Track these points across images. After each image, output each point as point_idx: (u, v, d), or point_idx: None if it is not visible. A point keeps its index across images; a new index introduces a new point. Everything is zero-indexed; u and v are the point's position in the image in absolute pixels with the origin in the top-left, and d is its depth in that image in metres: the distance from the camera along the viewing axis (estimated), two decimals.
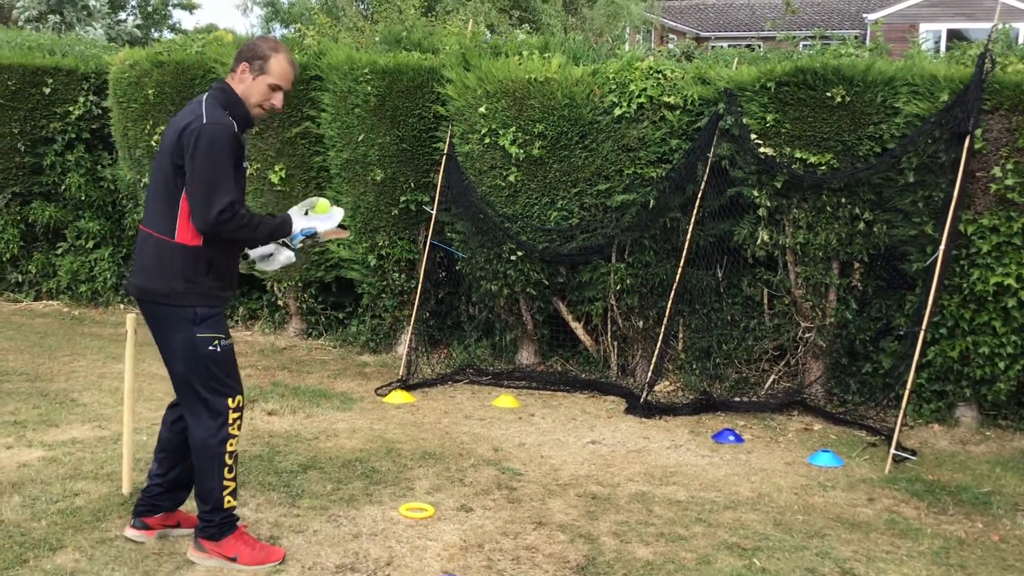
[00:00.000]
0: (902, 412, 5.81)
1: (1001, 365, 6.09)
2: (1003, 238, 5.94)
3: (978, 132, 5.90)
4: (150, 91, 8.41)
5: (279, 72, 3.87)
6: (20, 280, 9.82)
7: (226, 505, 3.91)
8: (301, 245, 4.03)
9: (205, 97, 3.84)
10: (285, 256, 4.07)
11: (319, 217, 4.07)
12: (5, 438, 5.41)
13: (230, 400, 3.86)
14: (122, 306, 9.56)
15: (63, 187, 9.43)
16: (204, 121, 3.70)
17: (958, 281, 6.10)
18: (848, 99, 6.16)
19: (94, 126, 9.45)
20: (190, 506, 4.29)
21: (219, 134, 3.69)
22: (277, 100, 3.92)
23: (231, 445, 3.87)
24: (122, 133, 8.77)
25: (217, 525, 3.92)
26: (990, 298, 6.02)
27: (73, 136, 9.39)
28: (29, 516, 4.32)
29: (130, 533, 4.13)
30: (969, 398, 6.35)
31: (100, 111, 9.35)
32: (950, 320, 6.17)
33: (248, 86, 3.86)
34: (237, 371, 3.93)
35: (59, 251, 9.69)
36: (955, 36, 24.30)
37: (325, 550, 4.13)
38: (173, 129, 3.76)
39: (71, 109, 9.31)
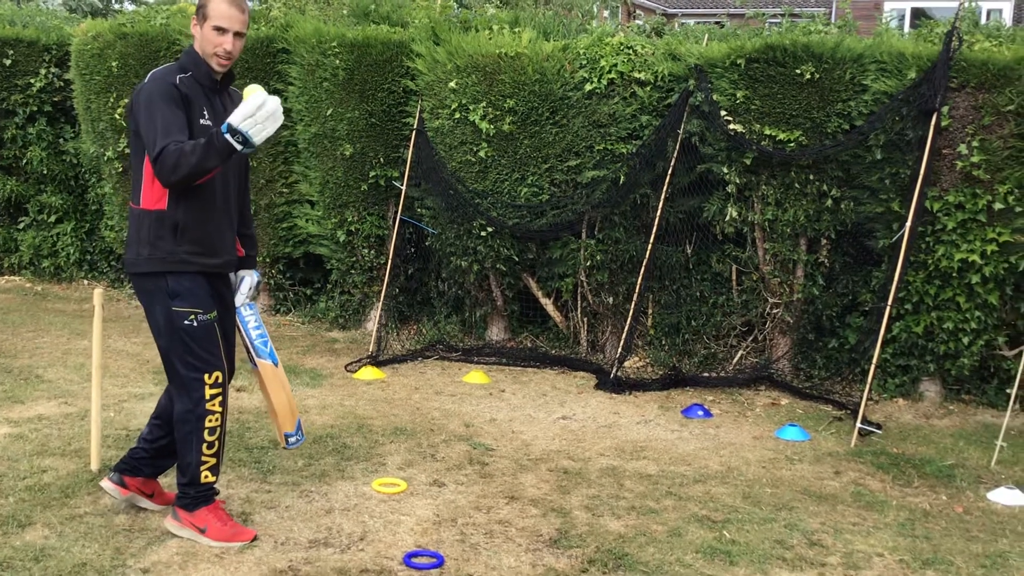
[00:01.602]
0: (868, 387, 5.89)
1: (965, 340, 6.19)
2: (968, 215, 6.02)
3: (945, 109, 5.96)
4: (113, 63, 8.28)
5: (217, 13, 3.78)
6: None
7: (203, 480, 3.90)
8: (245, 129, 3.52)
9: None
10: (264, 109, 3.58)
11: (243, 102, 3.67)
12: None
13: (206, 376, 3.82)
14: (86, 282, 9.44)
15: (24, 161, 9.27)
16: (144, 82, 3.76)
17: (923, 257, 6.18)
18: (817, 76, 6.19)
19: (56, 99, 9.29)
20: (170, 481, 4.28)
21: (154, 89, 3.69)
22: (227, 42, 3.79)
23: (210, 421, 3.84)
24: (85, 106, 8.63)
25: (192, 497, 3.92)
26: (955, 274, 6.11)
27: (35, 109, 9.22)
28: None
29: (106, 484, 4.15)
30: (933, 373, 6.45)
31: (62, 83, 9.19)
32: (915, 296, 6.25)
33: (199, 37, 3.83)
34: (219, 347, 3.88)
35: (21, 226, 9.54)
36: (919, 15, 24.47)
37: (298, 525, 4.13)
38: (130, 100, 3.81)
39: (32, 81, 9.14)
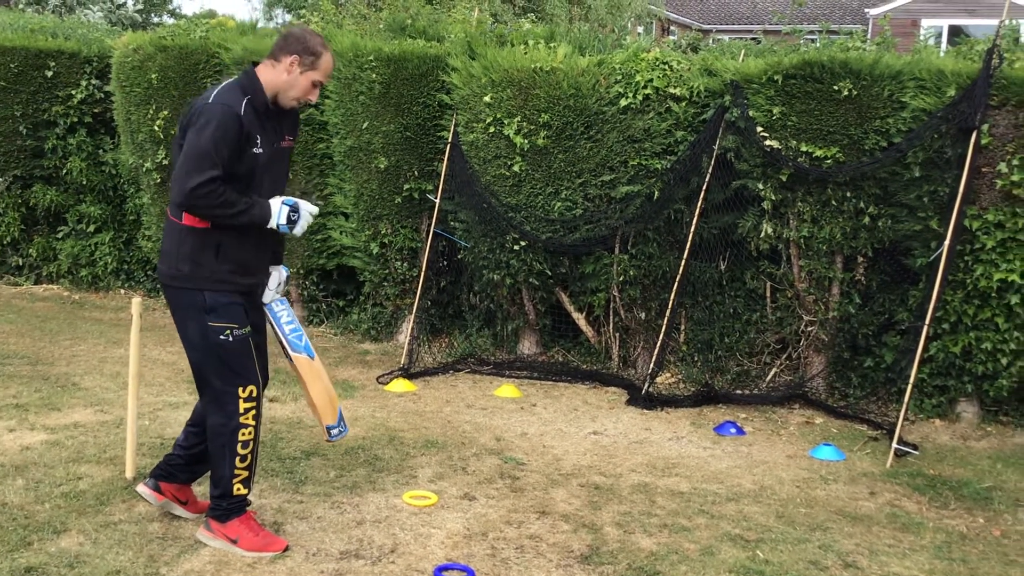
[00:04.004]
0: (904, 407, 5.82)
1: (1003, 361, 6.10)
2: (1008, 234, 5.94)
3: (985, 127, 5.89)
4: (153, 76, 8.38)
5: (326, 70, 3.89)
6: (20, 264, 9.80)
7: (235, 492, 3.92)
8: (290, 226, 3.91)
9: (227, 81, 3.87)
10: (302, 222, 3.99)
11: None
12: (7, 421, 5.40)
13: (241, 390, 3.84)
14: (123, 291, 9.54)
15: (64, 171, 9.39)
16: (209, 101, 3.75)
17: (962, 276, 6.10)
18: (855, 93, 6.15)
19: (96, 110, 9.41)
20: (203, 490, 4.30)
21: (218, 113, 3.69)
22: (315, 95, 3.93)
23: (244, 435, 3.86)
24: (125, 117, 8.74)
25: (224, 509, 3.94)
26: (993, 294, 6.03)
27: (75, 120, 9.35)
28: (33, 499, 4.32)
29: (142, 489, 4.21)
30: (971, 394, 6.36)
31: (103, 95, 9.32)
32: (953, 315, 6.17)
33: (294, 79, 3.84)
34: (253, 361, 3.90)
35: (60, 235, 9.66)
36: (956, 32, 24.26)
37: (329, 536, 4.14)
38: (188, 111, 3.81)
39: (73, 93, 9.27)
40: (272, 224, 3.83)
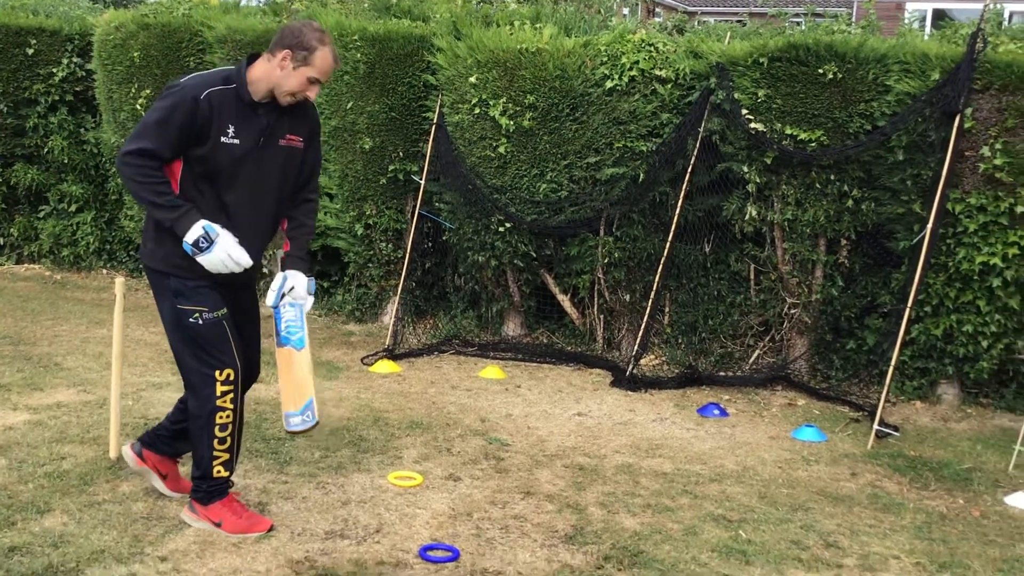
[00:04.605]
0: (885, 389, 5.86)
1: (984, 344, 6.15)
2: (990, 217, 5.98)
3: (968, 111, 5.92)
4: (135, 54, 8.31)
5: (322, 67, 3.70)
6: (2, 243, 9.72)
7: (215, 474, 3.90)
8: (195, 250, 3.67)
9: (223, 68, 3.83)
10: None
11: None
12: None
13: (218, 373, 3.81)
14: (105, 271, 9.49)
15: (46, 150, 9.31)
16: (180, 80, 3.73)
17: (944, 260, 6.15)
18: (840, 76, 6.16)
19: (78, 88, 9.33)
20: (187, 470, 4.30)
21: (175, 93, 3.64)
22: (313, 92, 3.77)
23: (221, 418, 3.83)
24: (106, 96, 8.67)
25: (205, 491, 3.93)
26: (975, 277, 6.07)
27: (56, 98, 9.26)
28: (16, 479, 4.31)
29: (126, 451, 4.26)
30: (951, 376, 6.41)
31: (84, 73, 9.23)
32: (935, 298, 6.22)
33: (287, 75, 3.69)
34: (230, 345, 3.84)
35: (41, 214, 9.59)
36: (940, 16, 24.31)
37: (314, 516, 4.15)
38: None
39: (54, 71, 9.18)
40: (184, 239, 3.64)
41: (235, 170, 3.75)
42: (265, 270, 7.91)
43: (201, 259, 3.66)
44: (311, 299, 4.12)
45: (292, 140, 3.88)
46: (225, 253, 3.68)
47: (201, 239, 3.63)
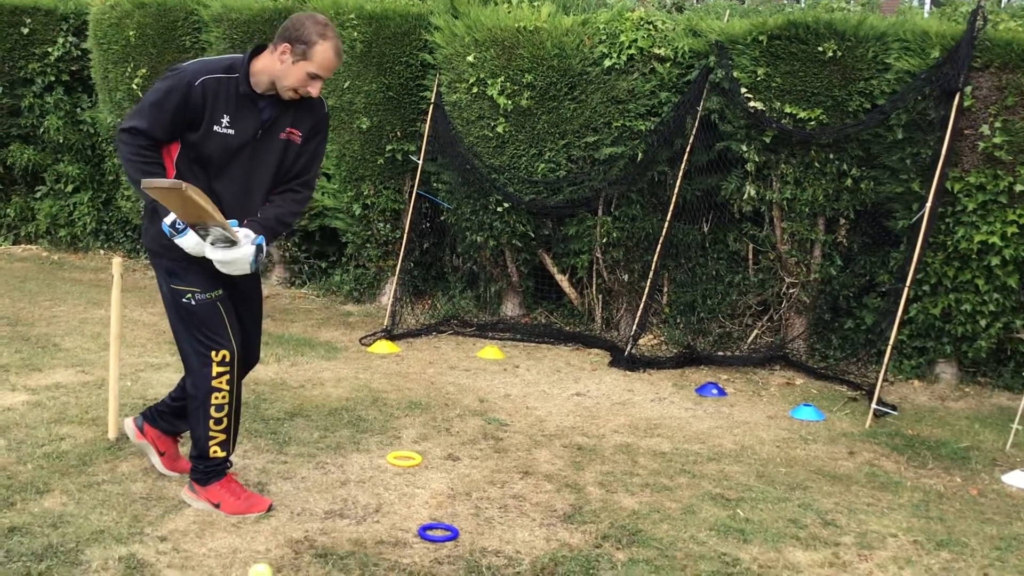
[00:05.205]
0: (884, 368, 5.87)
1: (982, 323, 6.15)
2: (989, 196, 5.97)
3: (968, 89, 5.90)
4: (131, 33, 8.27)
5: (322, 62, 3.63)
6: None
7: (211, 455, 3.90)
8: (172, 231, 3.56)
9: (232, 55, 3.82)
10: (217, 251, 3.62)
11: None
12: None
13: (213, 353, 3.79)
14: (102, 251, 9.47)
15: (42, 130, 9.28)
16: (183, 64, 3.71)
17: (943, 239, 6.14)
18: (839, 54, 6.13)
19: (73, 68, 9.29)
20: (186, 451, 4.31)
21: (172, 77, 3.62)
22: (314, 88, 3.68)
23: (217, 398, 3.82)
24: (102, 76, 8.63)
25: (203, 471, 3.93)
26: (974, 256, 6.07)
27: (52, 78, 9.22)
28: (15, 459, 4.31)
29: (127, 423, 4.29)
30: (949, 355, 6.42)
31: (80, 52, 9.18)
32: (933, 277, 6.21)
33: (286, 69, 3.63)
34: (225, 326, 3.81)
35: (38, 195, 9.56)
36: None
37: (314, 496, 4.15)
38: None
39: (50, 50, 9.14)
40: (164, 219, 3.58)
41: (227, 160, 3.72)
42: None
43: (178, 241, 3.63)
44: (243, 252, 3.68)
45: (292, 133, 3.82)
46: (195, 240, 3.63)
47: (177, 221, 3.58)
